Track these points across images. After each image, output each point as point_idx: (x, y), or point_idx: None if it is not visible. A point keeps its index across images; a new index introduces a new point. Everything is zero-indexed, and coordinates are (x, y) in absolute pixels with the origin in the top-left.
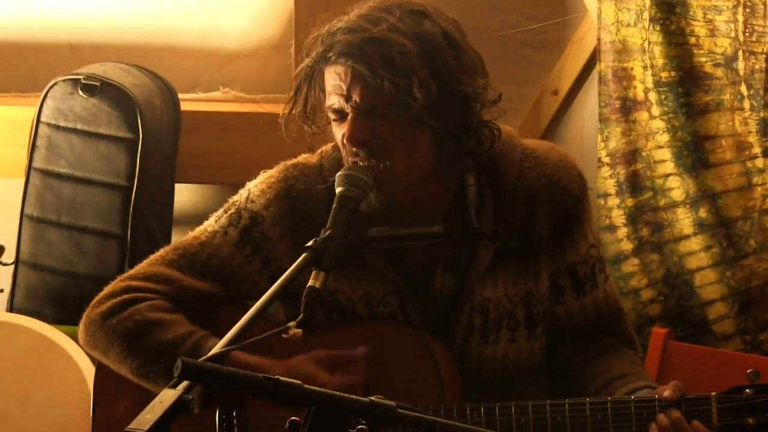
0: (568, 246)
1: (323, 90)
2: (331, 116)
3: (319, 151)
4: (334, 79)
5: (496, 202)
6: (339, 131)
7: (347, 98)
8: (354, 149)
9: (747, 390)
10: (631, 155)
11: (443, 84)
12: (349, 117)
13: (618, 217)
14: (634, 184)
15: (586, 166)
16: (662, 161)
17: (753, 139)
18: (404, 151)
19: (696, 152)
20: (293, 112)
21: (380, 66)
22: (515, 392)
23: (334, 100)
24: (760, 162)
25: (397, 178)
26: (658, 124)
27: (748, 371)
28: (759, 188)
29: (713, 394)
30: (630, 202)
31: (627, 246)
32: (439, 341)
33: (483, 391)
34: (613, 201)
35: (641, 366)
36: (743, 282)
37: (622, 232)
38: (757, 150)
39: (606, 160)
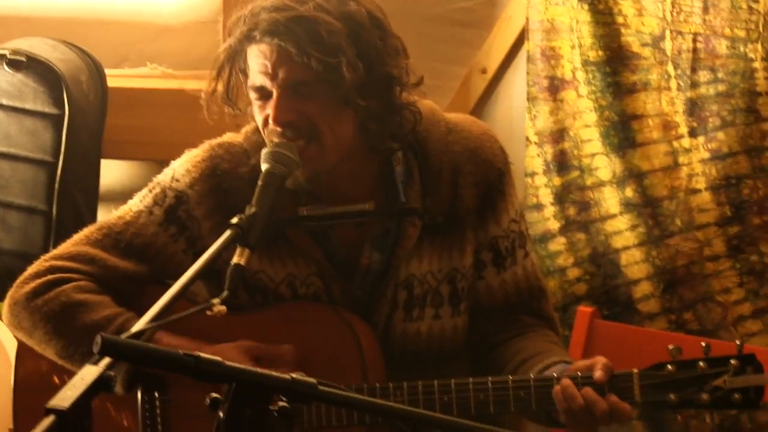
0: (491, 219)
1: (244, 71)
2: (254, 96)
3: (244, 129)
4: (259, 57)
5: (423, 177)
6: (261, 112)
7: (273, 77)
8: (279, 129)
9: (669, 366)
10: (559, 134)
11: (370, 64)
12: (275, 96)
13: (545, 196)
14: (561, 163)
15: (514, 145)
16: (589, 140)
17: (680, 118)
18: (329, 130)
19: (623, 132)
20: (215, 93)
21: (308, 44)
22: (439, 369)
23: (258, 79)
24: (686, 142)
25: (323, 156)
26: (586, 103)
27: (670, 347)
28: (685, 168)
29: (635, 370)
30: (557, 181)
31: (554, 225)
32: (362, 319)
33: (407, 367)
34: (541, 180)
35: (559, 345)
36: (669, 261)
37: (549, 211)
38: (683, 130)
39: (534, 139)
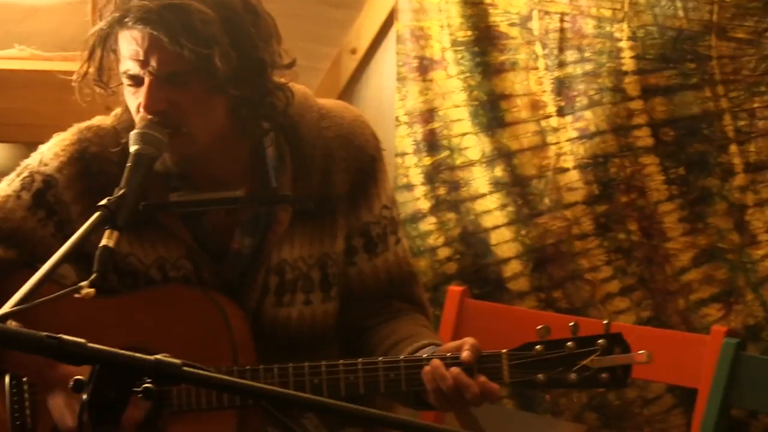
0: (363, 205)
1: (116, 53)
2: (126, 81)
3: (114, 112)
4: (130, 43)
5: (295, 162)
6: (134, 97)
7: (144, 64)
8: (149, 117)
9: (537, 346)
10: (428, 114)
11: (243, 51)
12: (146, 84)
13: (415, 176)
14: (431, 143)
15: (384, 125)
16: (459, 120)
17: (547, 98)
18: (200, 118)
19: (492, 111)
20: (87, 75)
21: (180, 33)
22: (310, 354)
23: (129, 66)
24: (554, 121)
25: (191, 143)
26: (455, 83)
27: (538, 327)
28: (553, 147)
29: (504, 351)
30: (427, 160)
31: (424, 205)
32: (233, 302)
33: (278, 352)
34: (411, 160)
35: (430, 329)
36: (538, 240)
37: (420, 190)
38: (551, 109)
39: (403, 119)
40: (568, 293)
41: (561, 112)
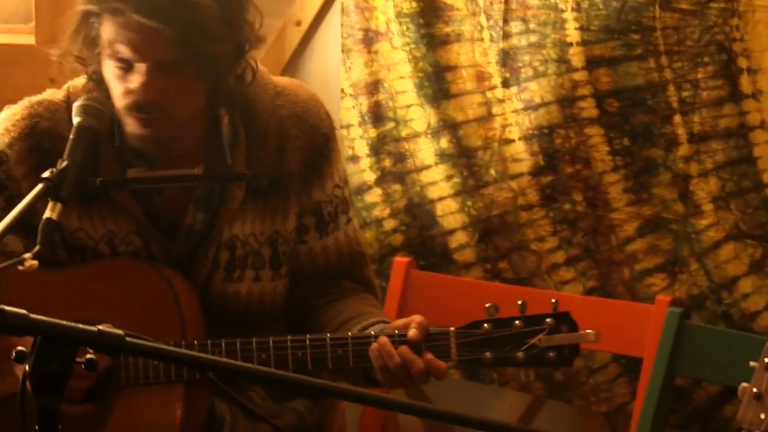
0: (315, 184)
1: (98, 34)
2: (114, 64)
3: (66, 86)
4: (127, 30)
5: (249, 139)
6: (120, 81)
7: (140, 51)
8: (139, 105)
9: (485, 325)
10: (374, 86)
11: (233, 36)
12: (143, 73)
13: (361, 148)
14: (376, 114)
15: (330, 98)
16: (404, 92)
17: (492, 69)
18: (186, 101)
19: (437, 83)
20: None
21: (181, 23)
22: (258, 330)
23: (123, 51)
24: (499, 92)
25: (174, 125)
26: (400, 55)
27: (487, 305)
28: (498, 118)
29: (452, 329)
30: (372, 132)
31: (370, 176)
32: (182, 277)
33: (226, 327)
34: (356, 131)
35: (378, 308)
36: (484, 211)
37: (365, 162)
38: (496, 81)
39: (349, 91)
40: (513, 264)
41: (506, 84)
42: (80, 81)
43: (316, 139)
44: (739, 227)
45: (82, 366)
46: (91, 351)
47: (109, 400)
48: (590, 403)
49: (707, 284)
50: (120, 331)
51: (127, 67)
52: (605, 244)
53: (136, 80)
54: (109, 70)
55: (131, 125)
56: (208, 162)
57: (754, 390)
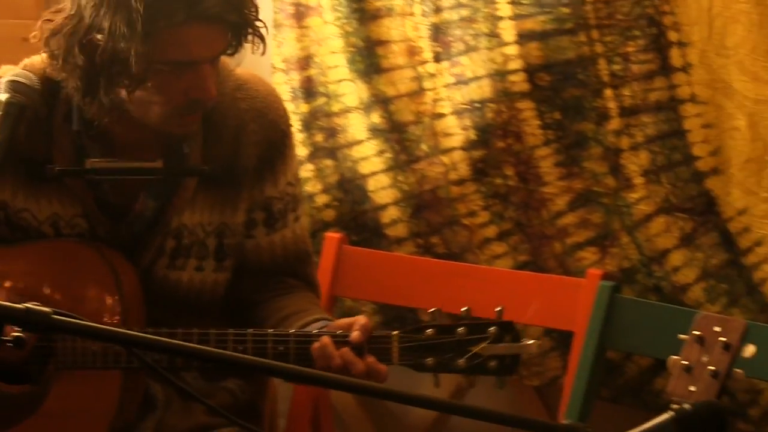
0: (268, 180)
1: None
2: (167, 68)
3: (23, 63)
4: (204, 37)
5: (206, 130)
6: (176, 82)
7: (210, 55)
8: (203, 103)
9: (428, 330)
10: (305, 61)
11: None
12: (206, 71)
13: (293, 123)
14: (308, 89)
15: (261, 73)
16: (336, 67)
17: (424, 44)
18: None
19: (369, 58)
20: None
21: (241, 27)
22: (196, 320)
23: (193, 55)
24: (431, 67)
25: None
26: (331, 29)
27: (431, 310)
28: (430, 93)
29: (395, 333)
30: (304, 107)
31: (302, 152)
32: (126, 261)
33: (166, 313)
34: (288, 107)
35: (319, 306)
36: (415, 186)
37: (297, 137)
38: (428, 55)
39: (280, 66)
40: (445, 238)
41: (437, 58)
42: (37, 59)
43: (274, 135)
44: (669, 201)
45: (9, 344)
46: (18, 329)
47: (45, 383)
48: (522, 378)
49: (638, 258)
50: (47, 309)
51: (186, 68)
52: (536, 218)
53: (198, 80)
54: (166, 77)
55: (178, 126)
56: (164, 151)
57: (684, 362)
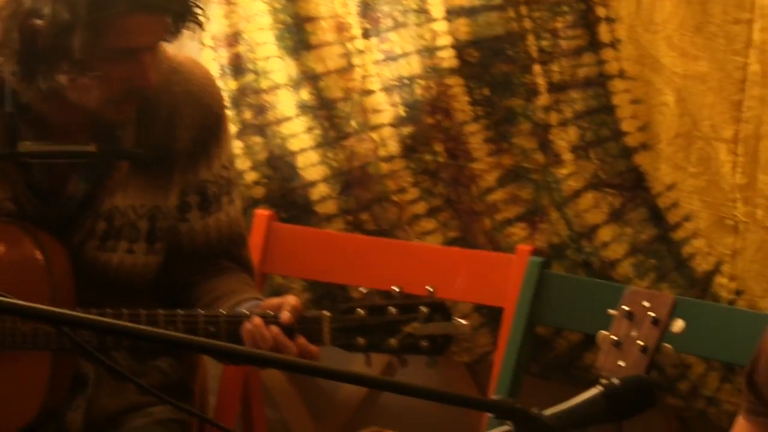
0: (202, 163)
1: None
2: (112, 54)
3: None
4: (145, 26)
5: (139, 113)
6: (119, 69)
7: (151, 42)
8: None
9: (359, 310)
10: (233, 38)
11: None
12: (147, 59)
13: None
14: (236, 66)
15: (190, 50)
16: (264, 43)
17: (352, 20)
18: None
19: (297, 34)
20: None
21: (180, 17)
22: (126, 302)
23: (135, 42)
24: (360, 43)
25: None
26: (259, 6)
27: (363, 290)
28: (359, 69)
29: (326, 313)
30: (233, 84)
31: (231, 129)
32: (57, 242)
33: (95, 294)
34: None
35: (253, 286)
36: (345, 163)
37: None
38: (356, 31)
39: (209, 43)
40: (375, 215)
41: (366, 35)
42: None
43: (209, 118)
44: (598, 176)
45: None
46: None
47: None
48: (452, 354)
49: (567, 233)
50: None
51: (120, 57)
52: (466, 194)
53: (139, 67)
54: (110, 65)
55: (116, 112)
56: (97, 134)
57: (613, 337)
